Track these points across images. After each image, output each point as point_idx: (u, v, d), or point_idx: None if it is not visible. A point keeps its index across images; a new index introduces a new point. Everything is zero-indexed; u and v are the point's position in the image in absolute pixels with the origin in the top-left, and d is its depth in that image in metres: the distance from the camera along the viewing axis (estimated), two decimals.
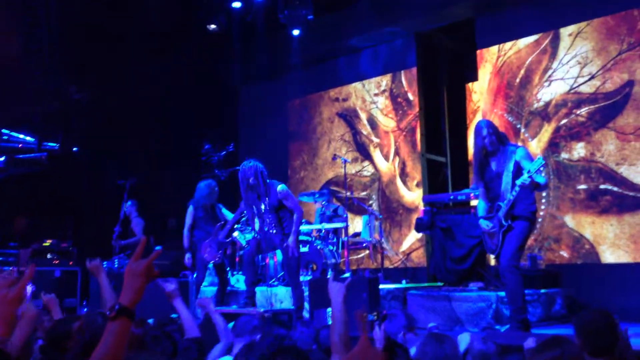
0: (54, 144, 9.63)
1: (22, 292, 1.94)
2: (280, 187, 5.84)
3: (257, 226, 6.07)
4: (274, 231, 5.85)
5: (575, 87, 7.78)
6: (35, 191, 8.99)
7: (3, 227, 8.97)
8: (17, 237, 8.68)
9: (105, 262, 7.91)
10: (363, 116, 10.14)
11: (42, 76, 8.43)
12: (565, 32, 7.94)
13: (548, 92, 8.03)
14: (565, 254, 7.59)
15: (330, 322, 3.89)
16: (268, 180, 5.89)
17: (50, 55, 8.39)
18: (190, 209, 6.77)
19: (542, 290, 5.93)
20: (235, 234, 6.73)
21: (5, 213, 8.84)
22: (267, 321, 5.17)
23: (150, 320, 4.03)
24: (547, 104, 8.03)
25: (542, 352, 2.23)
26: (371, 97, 10.07)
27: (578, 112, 7.73)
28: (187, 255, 6.73)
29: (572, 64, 7.84)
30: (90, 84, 9.19)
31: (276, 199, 5.79)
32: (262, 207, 5.84)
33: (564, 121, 7.84)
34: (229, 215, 6.82)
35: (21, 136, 9.45)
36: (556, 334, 3.02)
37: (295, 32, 9.35)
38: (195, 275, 6.77)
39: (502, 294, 5.46)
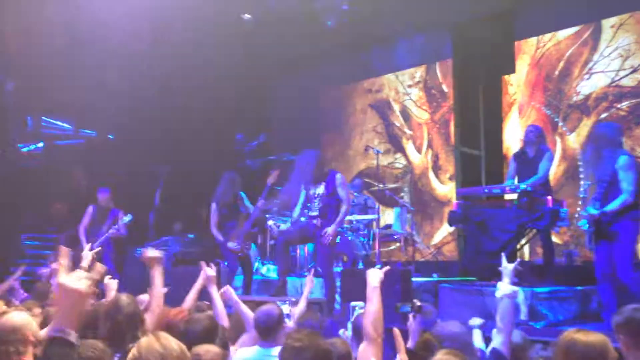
0: (91, 131, 9.80)
1: (94, 288, 1.95)
2: (339, 175, 5.94)
3: (296, 214, 6.11)
4: (316, 220, 5.87)
5: (616, 80, 7.59)
6: (71, 177, 9.15)
7: (42, 213, 9.17)
8: (55, 223, 8.87)
9: (138, 249, 8.04)
10: (396, 108, 10.06)
11: (83, 65, 8.55)
12: (607, 23, 7.74)
13: (588, 85, 7.85)
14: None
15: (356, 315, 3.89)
16: (326, 169, 6.06)
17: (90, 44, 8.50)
18: (214, 207, 6.78)
19: (578, 287, 5.81)
20: (270, 222, 6.73)
21: (43, 199, 9.02)
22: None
23: None
24: (587, 97, 7.85)
25: None
26: (404, 88, 9.97)
27: (619, 106, 7.54)
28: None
29: (613, 57, 7.65)
30: (126, 72, 9.28)
31: (333, 186, 5.84)
32: (315, 191, 5.87)
33: (604, 115, 7.66)
34: (251, 205, 6.82)
35: (59, 123, 9.64)
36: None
37: (329, 22, 9.28)
38: (226, 264, 6.81)
39: (537, 289, 5.38)
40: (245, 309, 3.89)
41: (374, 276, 2.77)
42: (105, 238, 7.25)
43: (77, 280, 1.86)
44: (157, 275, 3.58)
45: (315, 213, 5.90)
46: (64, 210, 8.82)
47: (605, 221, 4.77)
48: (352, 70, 10.61)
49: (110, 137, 9.90)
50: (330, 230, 5.77)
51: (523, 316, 5.10)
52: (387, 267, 3.14)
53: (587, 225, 4.87)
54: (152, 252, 3.74)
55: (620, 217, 4.76)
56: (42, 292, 4.80)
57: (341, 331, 3.82)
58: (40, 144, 9.25)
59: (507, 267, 3.30)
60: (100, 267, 3.50)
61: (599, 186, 4.89)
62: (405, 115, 9.92)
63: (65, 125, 9.72)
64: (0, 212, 8.43)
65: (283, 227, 6.25)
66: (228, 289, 4.16)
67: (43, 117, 9.22)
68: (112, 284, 3.92)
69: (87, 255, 3.68)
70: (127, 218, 7.22)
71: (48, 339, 1.82)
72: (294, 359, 2.27)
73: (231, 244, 6.51)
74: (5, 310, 2.84)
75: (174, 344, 1.96)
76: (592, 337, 2.37)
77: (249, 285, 6.74)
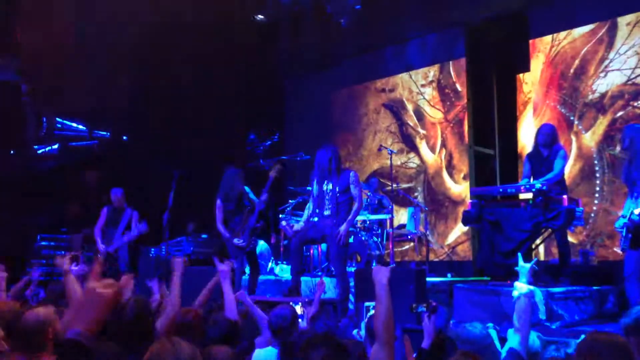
0: (105, 133, 9.87)
1: (121, 295, 1.97)
2: (352, 172, 5.97)
3: (307, 213, 6.09)
4: (329, 213, 5.86)
5: (632, 78, 7.50)
6: (86, 178, 9.22)
7: (57, 213, 9.24)
8: (69, 223, 8.94)
9: (152, 249, 8.08)
10: (409, 107, 10.02)
11: (97, 67, 8.62)
12: (623, 21, 7.65)
13: (604, 83, 7.76)
14: (618, 250, 7.34)
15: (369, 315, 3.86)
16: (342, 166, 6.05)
17: (106, 46, 8.56)
18: (218, 203, 6.77)
19: (594, 287, 5.74)
20: (284, 222, 6.69)
21: (57, 199, 9.09)
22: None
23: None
24: (603, 95, 7.76)
25: None
26: (418, 87, 9.93)
27: (635, 104, 7.45)
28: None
29: (629, 54, 7.55)
30: (141, 74, 9.33)
31: (347, 183, 5.84)
32: (329, 187, 5.87)
33: (620, 113, 7.57)
34: (256, 199, 6.78)
35: (74, 125, 9.72)
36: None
37: (343, 22, 9.27)
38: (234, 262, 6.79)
39: (553, 290, 5.32)
40: (259, 311, 3.89)
41: (382, 274, 2.66)
42: (120, 242, 7.29)
43: (105, 287, 1.88)
44: (177, 281, 3.60)
45: (328, 212, 5.89)
46: (79, 210, 8.88)
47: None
48: (365, 70, 10.59)
49: (125, 138, 9.96)
50: (342, 229, 5.75)
51: (542, 315, 5.05)
52: (392, 265, 3.09)
53: (625, 231, 4.84)
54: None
55: None
56: (57, 292, 4.83)
57: (355, 331, 3.80)
58: (55, 146, 9.33)
59: (524, 266, 3.26)
60: (127, 279, 3.55)
61: (636, 186, 4.89)
62: (419, 114, 9.87)
63: (80, 126, 9.80)
64: (16, 213, 8.52)
65: (296, 227, 6.21)
66: (243, 292, 4.18)
67: (58, 119, 9.29)
68: (129, 284, 3.93)
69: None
70: (142, 227, 7.25)
71: (66, 341, 1.82)
72: (311, 355, 2.23)
73: (237, 240, 6.50)
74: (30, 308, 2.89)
75: (186, 347, 1.95)
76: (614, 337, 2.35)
77: (254, 284, 6.69)
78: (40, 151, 9.32)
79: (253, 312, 3.96)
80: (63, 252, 8.03)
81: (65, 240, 8.70)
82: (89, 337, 1.80)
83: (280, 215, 8.13)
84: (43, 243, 8.78)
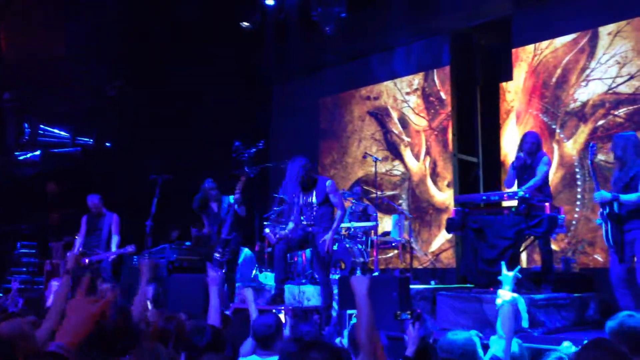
0: (88, 139, 9.79)
1: (106, 310, 1.96)
2: (329, 181, 5.90)
3: (290, 225, 6.07)
4: (311, 224, 5.84)
5: (613, 88, 7.60)
6: (69, 185, 9.14)
7: (38, 221, 9.13)
8: (51, 231, 8.83)
9: (135, 257, 8.00)
10: (394, 115, 10.06)
11: (82, 73, 8.57)
12: (605, 31, 7.76)
13: (585, 92, 7.86)
14: (599, 257, 7.42)
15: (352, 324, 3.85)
16: (317, 175, 5.97)
17: (90, 53, 8.52)
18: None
19: (576, 294, 5.79)
20: (267, 230, 6.67)
21: (39, 207, 8.99)
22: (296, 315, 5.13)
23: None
24: (584, 104, 7.86)
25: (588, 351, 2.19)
26: (403, 95, 9.98)
27: (616, 112, 7.55)
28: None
29: (610, 64, 7.66)
30: (124, 80, 9.29)
31: (324, 193, 5.80)
32: (308, 199, 5.84)
33: (601, 122, 7.67)
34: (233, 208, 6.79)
35: (56, 131, 9.63)
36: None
37: (328, 30, 9.31)
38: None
39: (535, 296, 5.36)
40: (255, 312, 3.88)
41: (361, 284, 2.60)
42: (103, 257, 7.23)
43: (93, 302, 1.89)
44: (144, 284, 3.60)
45: (310, 223, 5.87)
46: (61, 218, 8.80)
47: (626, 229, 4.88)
48: (350, 78, 10.62)
49: (108, 145, 9.89)
50: (328, 237, 5.75)
51: (525, 323, 5.07)
52: (376, 273, 3.09)
53: (601, 209, 4.95)
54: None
55: (631, 223, 4.86)
56: (35, 301, 4.77)
57: (337, 339, 3.79)
58: (37, 152, 9.24)
59: (507, 274, 3.28)
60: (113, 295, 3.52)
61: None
62: (404, 122, 9.92)
63: (63, 133, 9.71)
64: None
65: (280, 233, 6.20)
66: (249, 289, 4.17)
67: (40, 125, 9.20)
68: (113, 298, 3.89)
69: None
70: (130, 249, 7.22)
71: (47, 353, 1.81)
72: (308, 357, 2.20)
73: (216, 254, 6.54)
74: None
75: (165, 353, 1.94)
76: None
77: (232, 294, 6.69)
78: (21, 157, 9.22)
79: (250, 311, 3.94)
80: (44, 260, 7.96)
81: (47, 249, 8.60)
82: (70, 350, 1.78)
83: (265, 223, 8.11)
84: (23, 251, 8.67)
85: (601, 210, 5.03)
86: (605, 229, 4.99)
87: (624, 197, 4.88)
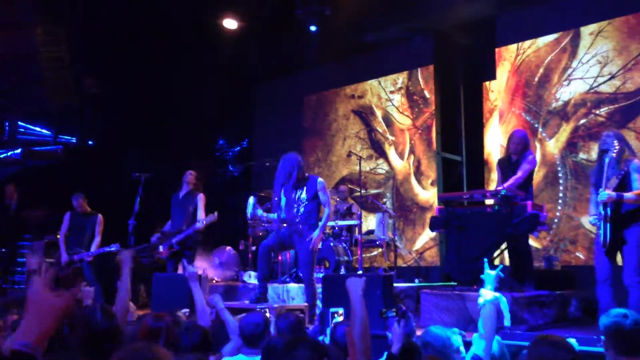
0: (70, 137, 9.69)
1: (70, 305, 1.89)
2: (320, 179, 5.98)
3: (275, 213, 6.12)
4: (299, 220, 5.85)
5: (595, 87, 7.68)
6: (50, 184, 9.03)
7: (18, 219, 9.01)
8: (31, 230, 8.73)
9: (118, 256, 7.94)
10: (378, 113, 10.08)
11: (60, 70, 8.47)
12: (586, 30, 7.84)
13: (567, 92, 7.93)
14: (581, 255, 7.50)
15: (334, 322, 3.84)
16: (307, 173, 6.03)
17: (69, 49, 8.43)
18: None
19: (557, 292, 5.84)
20: (259, 212, 6.59)
21: (20, 205, 8.87)
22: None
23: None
24: (566, 103, 7.93)
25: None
26: (387, 94, 10.01)
27: (597, 112, 7.63)
28: None
29: (592, 63, 7.74)
30: (107, 78, 9.21)
31: (314, 190, 5.84)
32: (298, 195, 5.87)
33: (582, 121, 7.74)
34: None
35: (37, 129, 9.52)
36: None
37: (312, 28, 9.29)
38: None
39: (518, 294, 5.39)
40: (229, 317, 3.84)
41: (356, 285, 2.62)
42: (85, 255, 7.19)
43: (57, 298, 1.80)
44: (126, 277, 3.57)
45: (297, 219, 5.89)
46: (41, 216, 8.69)
47: (618, 227, 4.85)
48: (334, 76, 10.62)
49: (90, 143, 9.79)
50: (315, 235, 5.77)
51: (507, 322, 5.10)
52: (367, 276, 3.08)
53: (603, 210, 4.82)
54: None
55: (631, 223, 4.86)
56: (13, 301, 4.70)
57: (320, 337, 3.78)
58: (18, 150, 9.12)
59: (489, 273, 3.30)
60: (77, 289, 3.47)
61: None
62: (388, 121, 9.94)
63: (44, 131, 9.60)
64: None
65: (271, 216, 6.24)
66: (216, 295, 4.13)
67: (20, 123, 9.09)
68: (87, 292, 3.86)
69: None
70: (113, 248, 7.19)
71: (11, 352, 1.75)
72: (294, 356, 2.18)
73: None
74: None
75: (156, 350, 1.91)
76: None
77: None
78: (2, 156, 9.10)
79: (223, 318, 3.90)
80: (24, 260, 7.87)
81: (26, 248, 8.50)
82: (36, 348, 1.72)
83: (249, 222, 8.09)
84: (3, 250, 8.56)
85: (599, 210, 4.86)
86: (604, 229, 4.83)
87: (627, 196, 4.79)
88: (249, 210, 6.52)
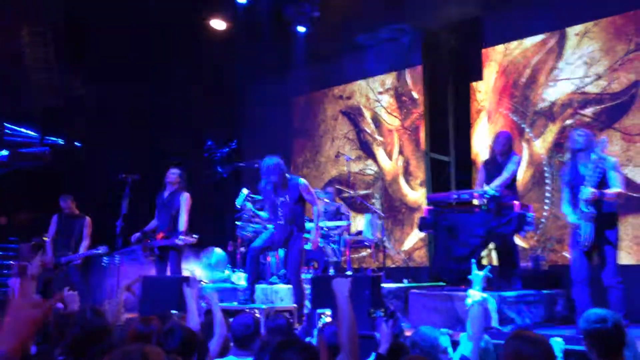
0: (57, 139, 9.61)
1: (47, 314, 1.85)
2: (301, 180, 6.00)
3: (265, 214, 6.14)
4: (286, 223, 5.87)
5: (581, 87, 7.73)
6: (37, 185, 8.97)
7: (5, 222, 8.95)
8: (19, 232, 8.66)
9: (106, 258, 7.90)
10: (367, 114, 10.10)
11: (47, 71, 8.41)
12: (572, 31, 7.89)
13: (554, 92, 7.98)
14: (567, 254, 7.54)
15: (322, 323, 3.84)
16: (288, 175, 6.03)
17: (55, 50, 8.37)
18: None
19: (545, 291, 5.89)
20: (262, 213, 6.56)
21: (7, 207, 8.81)
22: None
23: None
24: (553, 104, 7.98)
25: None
26: (375, 95, 10.02)
27: (583, 112, 7.68)
28: None
29: (578, 64, 7.79)
30: (93, 79, 9.15)
31: (297, 192, 5.85)
32: (281, 199, 5.88)
33: (569, 121, 7.79)
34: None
35: (24, 130, 9.43)
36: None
37: (301, 29, 9.30)
38: None
39: (505, 294, 5.43)
40: (219, 312, 3.83)
41: (342, 286, 2.62)
42: (73, 258, 7.15)
43: (33, 306, 1.77)
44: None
45: (282, 222, 5.90)
46: (29, 218, 8.63)
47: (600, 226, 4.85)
48: (323, 77, 10.62)
49: (78, 144, 9.72)
50: (313, 236, 5.86)
51: (494, 323, 5.14)
52: (353, 276, 3.09)
53: (585, 208, 4.78)
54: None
55: (612, 223, 4.90)
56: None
57: (307, 339, 3.78)
58: (5, 152, 9.04)
59: (477, 274, 3.32)
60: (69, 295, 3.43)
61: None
62: (376, 121, 9.96)
63: (31, 132, 9.51)
64: None
65: (263, 214, 6.26)
66: (214, 293, 4.12)
67: (6, 124, 9.01)
68: (73, 296, 3.83)
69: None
70: (100, 250, 7.15)
71: None
72: (284, 358, 2.17)
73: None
74: None
75: (150, 351, 1.90)
76: None
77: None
78: None
79: (213, 311, 3.89)
80: (11, 262, 7.80)
81: (12, 250, 8.43)
82: (13, 357, 1.69)
83: (237, 223, 8.06)
84: None
85: (581, 208, 4.83)
86: (587, 229, 4.80)
87: (609, 193, 4.79)
88: (240, 200, 6.51)
